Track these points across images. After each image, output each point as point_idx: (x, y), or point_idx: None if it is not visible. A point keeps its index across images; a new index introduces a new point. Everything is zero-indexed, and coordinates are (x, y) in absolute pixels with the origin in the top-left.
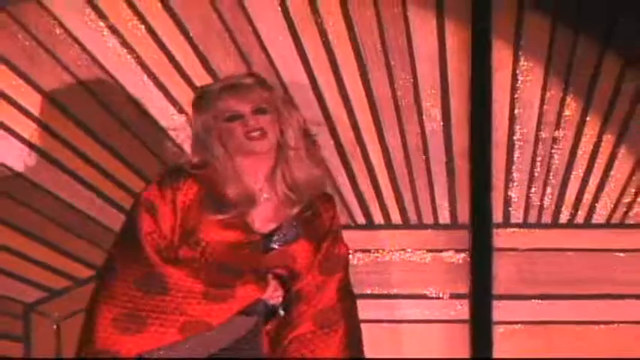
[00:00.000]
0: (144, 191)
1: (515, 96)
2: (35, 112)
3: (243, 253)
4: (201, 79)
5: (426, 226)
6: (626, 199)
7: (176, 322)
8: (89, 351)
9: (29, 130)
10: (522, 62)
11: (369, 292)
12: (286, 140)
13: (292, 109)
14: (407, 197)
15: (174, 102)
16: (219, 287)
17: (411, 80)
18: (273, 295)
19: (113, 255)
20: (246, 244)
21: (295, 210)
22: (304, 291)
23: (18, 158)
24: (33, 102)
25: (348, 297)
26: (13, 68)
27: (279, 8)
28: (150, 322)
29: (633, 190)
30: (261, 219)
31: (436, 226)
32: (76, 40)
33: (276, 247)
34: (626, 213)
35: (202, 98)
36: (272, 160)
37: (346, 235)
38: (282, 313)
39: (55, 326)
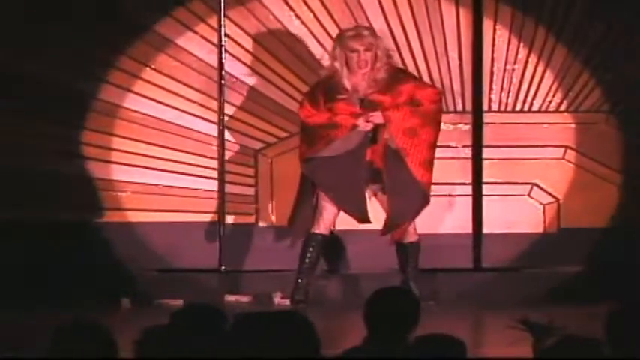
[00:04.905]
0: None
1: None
2: None
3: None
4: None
5: (455, 110)
6: (549, 97)
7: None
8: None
9: None
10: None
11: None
12: (376, 61)
13: (383, 46)
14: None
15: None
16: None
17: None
18: (364, 124)
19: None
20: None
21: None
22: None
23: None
24: None
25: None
26: None
27: None
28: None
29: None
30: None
31: (458, 110)
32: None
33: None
34: (549, 102)
35: (341, 36)
36: (368, 69)
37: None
38: None
39: (269, 161)
